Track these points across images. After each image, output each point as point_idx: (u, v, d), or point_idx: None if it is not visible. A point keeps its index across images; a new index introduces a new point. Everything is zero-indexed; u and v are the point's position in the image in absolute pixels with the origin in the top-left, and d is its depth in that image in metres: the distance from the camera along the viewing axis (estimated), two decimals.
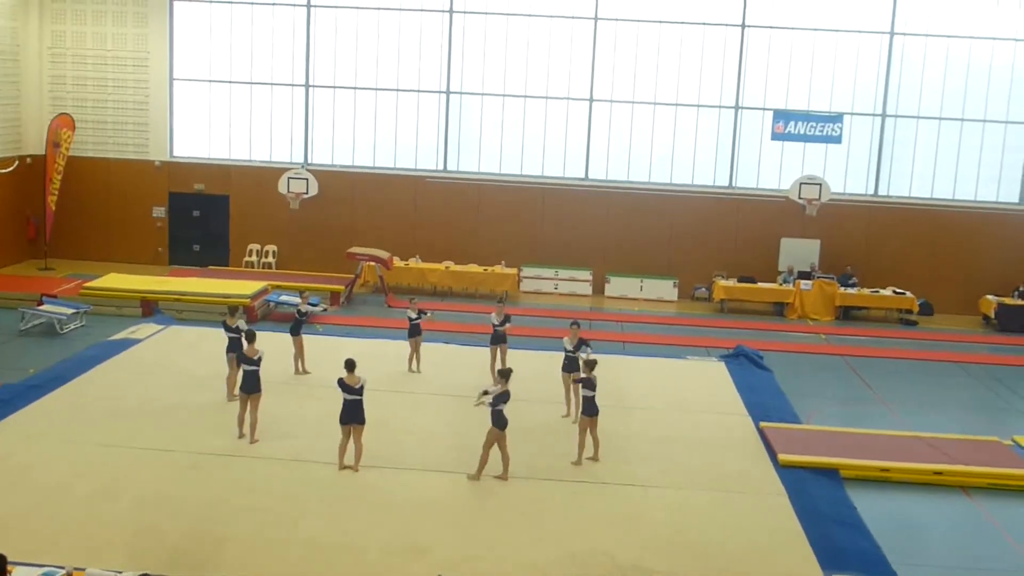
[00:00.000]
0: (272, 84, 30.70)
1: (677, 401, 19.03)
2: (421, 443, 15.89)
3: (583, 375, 15.59)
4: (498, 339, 19.20)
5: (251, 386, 15.51)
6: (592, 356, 16.33)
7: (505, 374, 14.99)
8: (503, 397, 14.49)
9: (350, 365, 14.68)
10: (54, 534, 12.11)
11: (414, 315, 19.84)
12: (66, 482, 13.64)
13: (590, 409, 15.39)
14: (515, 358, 19.43)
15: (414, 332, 19.93)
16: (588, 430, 15.44)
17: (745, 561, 12.45)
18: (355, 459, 14.60)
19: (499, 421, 14.44)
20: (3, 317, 22.68)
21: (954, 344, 25.93)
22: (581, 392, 15.51)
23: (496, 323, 19.12)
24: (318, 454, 15.00)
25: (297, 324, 19.55)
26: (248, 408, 15.57)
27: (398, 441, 15.88)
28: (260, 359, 15.61)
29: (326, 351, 19.91)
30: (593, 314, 27.55)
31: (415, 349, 20.00)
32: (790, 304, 28.36)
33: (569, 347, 17.64)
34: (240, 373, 15.95)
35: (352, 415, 14.55)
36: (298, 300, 24.61)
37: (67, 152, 29.77)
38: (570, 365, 17.55)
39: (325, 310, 21.60)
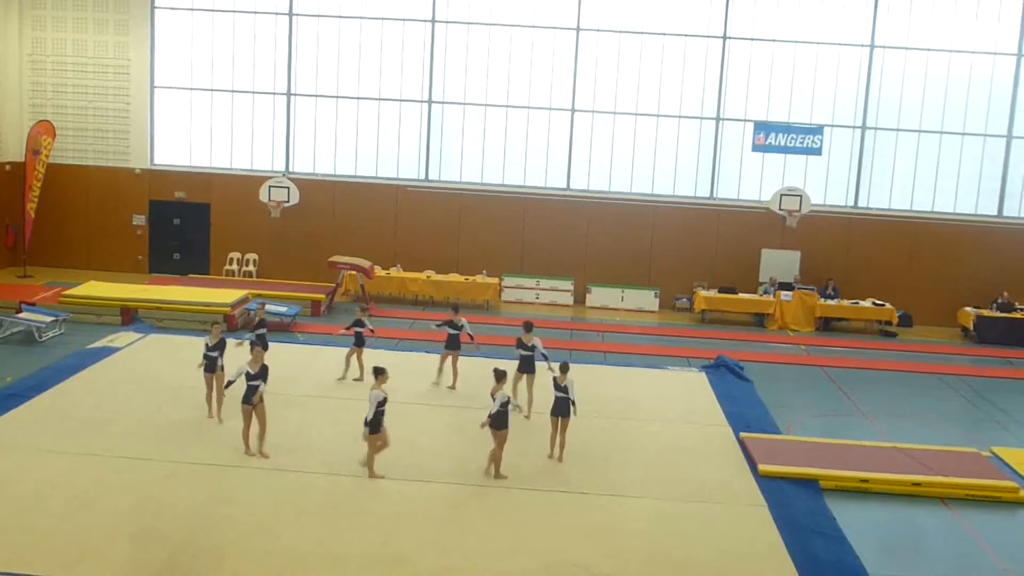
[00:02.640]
0: (253, 92, 30.67)
1: (657, 411, 19.03)
2: (401, 453, 15.80)
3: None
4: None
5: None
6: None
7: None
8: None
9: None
10: (30, 544, 11.98)
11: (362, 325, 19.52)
12: (43, 492, 13.52)
13: (556, 409, 15.74)
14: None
15: (359, 342, 19.56)
16: (556, 429, 15.82)
17: (724, 572, 12.44)
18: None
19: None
20: None
21: (933, 356, 26.08)
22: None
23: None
24: (298, 463, 14.95)
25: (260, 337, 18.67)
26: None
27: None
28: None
29: (306, 360, 19.84)
30: (574, 324, 27.59)
31: (358, 357, 19.57)
32: (770, 315, 28.48)
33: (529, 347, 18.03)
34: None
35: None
36: (283, 309, 24.73)
37: (47, 159, 29.62)
38: (524, 365, 17.95)
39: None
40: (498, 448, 14.83)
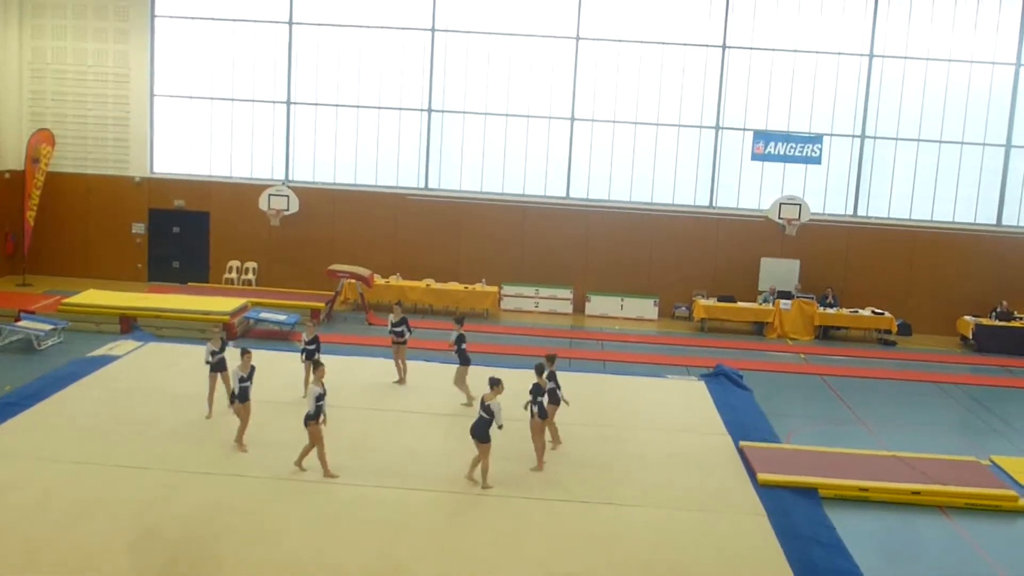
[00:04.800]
0: (253, 101, 30.69)
1: (657, 420, 19.02)
2: (400, 461, 15.83)
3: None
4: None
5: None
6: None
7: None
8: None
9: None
10: (29, 553, 11.97)
11: (307, 338, 19.16)
12: (42, 500, 13.50)
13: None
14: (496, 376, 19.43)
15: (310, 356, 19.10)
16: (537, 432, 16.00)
17: None
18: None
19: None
20: None
21: (932, 364, 26.07)
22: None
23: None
24: (296, 472, 14.93)
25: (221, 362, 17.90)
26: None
27: (377, 459, 15.83)
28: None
29: (301, 369, 19.78)
30: (574, 332, 27.58)
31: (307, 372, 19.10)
32: (770, 323, 28.47)
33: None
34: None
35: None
36: (282, 318, 24.71)
37: (46, 168, 29.65)
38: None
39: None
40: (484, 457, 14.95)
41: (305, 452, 14.99)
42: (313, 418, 14.75)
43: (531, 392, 15.89)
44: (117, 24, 30.27)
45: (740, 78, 30.06)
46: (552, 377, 16.48)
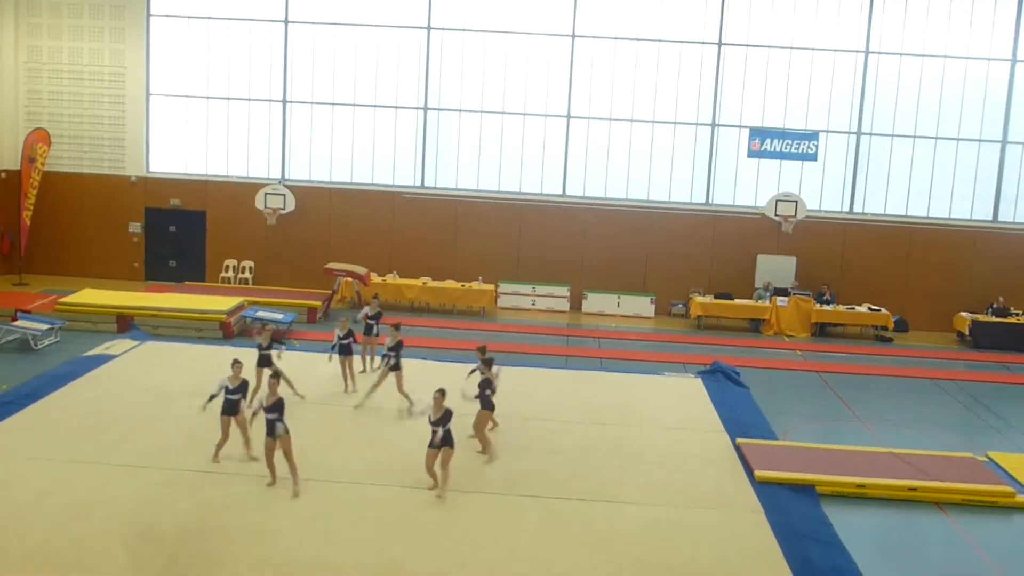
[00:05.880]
0: (249, 100, 30.67)
1: (653, 417, 19.01)
2: (395, 459, 15.80)
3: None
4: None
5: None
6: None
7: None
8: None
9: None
10: (26, 552, 11.95)
11: (342, 334, 19.09)
12: (38, 500, 13.48)
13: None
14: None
15: (345, 351, 19.24)
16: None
17: None
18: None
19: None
20: None
21: (929, 361, 26.09)
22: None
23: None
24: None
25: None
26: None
27: (372, 458, 15.81)
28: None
29: (302, 367, 19.79)
30: (570, 330, 27.58)
31: (348, 366, 19.42)
32: (766, 320, 28.48)
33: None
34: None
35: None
36: (279, 316, 24.70)
37: (42, 167, 29.63)
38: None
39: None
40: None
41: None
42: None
43: (480, 385, 16.14)
44: (113, 23, 30.24)
45: (736, 75, 30.06)
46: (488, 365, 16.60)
